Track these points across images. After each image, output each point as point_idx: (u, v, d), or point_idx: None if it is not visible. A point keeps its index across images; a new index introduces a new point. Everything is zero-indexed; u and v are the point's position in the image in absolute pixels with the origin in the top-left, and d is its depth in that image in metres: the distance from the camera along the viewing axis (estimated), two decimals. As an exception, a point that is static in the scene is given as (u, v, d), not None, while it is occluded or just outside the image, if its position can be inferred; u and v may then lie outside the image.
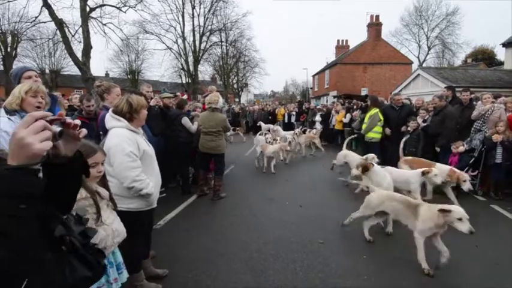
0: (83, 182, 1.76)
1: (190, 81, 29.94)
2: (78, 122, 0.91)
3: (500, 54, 24.68)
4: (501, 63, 22.33)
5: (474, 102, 6.06)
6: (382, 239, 3.65)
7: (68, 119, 0.89)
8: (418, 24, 33.57)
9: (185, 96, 7.53)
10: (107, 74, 35.21)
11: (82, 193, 1.75)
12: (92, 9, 20.19)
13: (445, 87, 7.17)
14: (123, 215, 2.37)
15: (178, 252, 3.34)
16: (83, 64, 18.43)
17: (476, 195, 5.32)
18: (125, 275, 2.03)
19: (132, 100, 2.34)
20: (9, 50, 26.16)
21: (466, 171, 5.22)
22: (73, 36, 19.63)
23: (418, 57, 33.53)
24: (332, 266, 3.04)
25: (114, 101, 3.24)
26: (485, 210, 4.71)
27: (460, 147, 5.31)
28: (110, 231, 1.87)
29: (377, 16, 26.89)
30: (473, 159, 5.25)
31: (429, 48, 33.55)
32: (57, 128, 0.83)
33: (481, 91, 8.02)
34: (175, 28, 28.64)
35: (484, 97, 5.67)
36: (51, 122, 0.81)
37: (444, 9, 32.07)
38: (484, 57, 29.73)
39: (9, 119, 2.05)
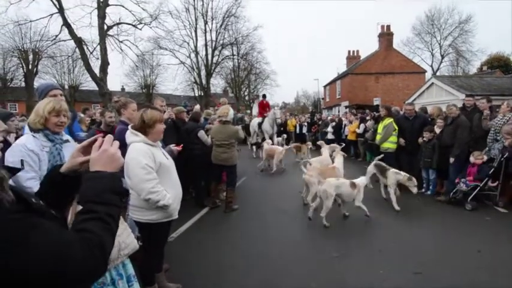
0: None
1: (202, 94, 30.50)
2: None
3: (517, 61, 24.06)
4: (518, 70, 21.74)
5: (497, 110, 5.89)
6: (399, 251, 3.54)
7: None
8: (430, 33, 33.21)
9: (197, 106, 7.67)
10: (122, 89, 36.27)
11: None
12: (110, 27, 21.05)
13: (466, 96, 6.97)
14: (143, 227, 2.42)
15: (191, 265, 3.34)
16: (100, 80, 19.10)
17: (497, 207, 5.11)
18: (136, 287, 2.01)
19: (146, 115, 2.41)
20: (30, 67, 27.45)
21: (486, 182, 5.06)
22: (91, 53, 20.42)
23: (431, 66, 33.04)
24: (349, 283, 2.96)
25: (131, 116, 3.38)
26: (505, 220, 4.53)
27: (481, 157, 5.17)
28: (117, 243, 1.84)
29: (388, 26, 26.87)
30: (492, 169, 5.07)
31: (442, 57, 33.03)
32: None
33: (498, 99, 7.80)
34: (188, 43, 29.48)
35: (503, 106, 5.50)
36: None
37: (457, 18, 31.64)
38: (500, 64, 29.00)
39: (33, 136, 2.11)
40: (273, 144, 10.31)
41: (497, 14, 52.34)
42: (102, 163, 0.98)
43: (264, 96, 14.06)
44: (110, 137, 1.04)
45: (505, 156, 4.99)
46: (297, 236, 4.08)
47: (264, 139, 11.16)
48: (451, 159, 5.58)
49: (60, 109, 2.20)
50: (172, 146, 3.74)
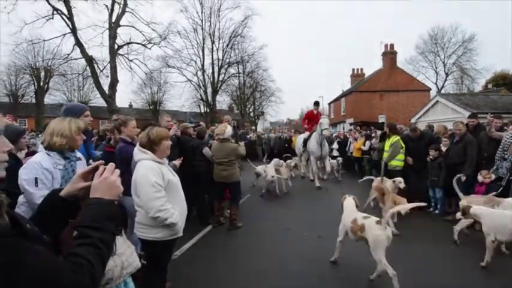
0: None
1: (208, 110, 30.92)
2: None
3: (523, 79, 24.04)
4: (524, 88, 21.67)
5: (505, 128, 5.83)
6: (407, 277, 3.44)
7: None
8: (433, 52, 33.63)
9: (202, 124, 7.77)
10: (130, 105, 36.95)
11: None
12: (120, 47, 21.76)
13: (468, 117, 6.89)
14: (148, 244, 2.41)
15: (195, 283, 3.29)
16: (109, 97, 19.56)
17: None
18: (138, 306, 1.98)
19: (152, 133, 2.46)
20: (42, 84, 28.27)
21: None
22: (101, 71, 21.05)
23: (436, 84, 33.24)
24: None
25: (131, 133, 3.45)
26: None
27: (489, 175, 5.09)
28: (119, 262, 1.83)
29: (391, 45, 27.26)
30: (501, 188, 4.98)
31: (447, 75, 33.30)
32: None
33: (505, 117, 7.74)
34: (195, 62, 30.24)
35: None
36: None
37: (460, 36, 32.12)
38: (505, 82, 28.98)
39: (48, 154, 2.13)
40: (324, 168, 9.05)
41: (501, 33, 52.82)
42: (102, 190, 1.02)
43: (317, 104, 10.02)
44: (111, 165, 1.09)
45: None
46: (302, 254, 4.00)
47: (284, 158, 9.18)
48: (463, 178, 5.45)
49: (82, 128, 2.27)
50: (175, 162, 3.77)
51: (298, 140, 10.19)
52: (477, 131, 5.95)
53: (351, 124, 23.83)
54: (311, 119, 9.73)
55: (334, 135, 15.13)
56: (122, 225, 1.76)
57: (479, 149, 5.62)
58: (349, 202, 3.77)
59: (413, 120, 16.67)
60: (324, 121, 8.50)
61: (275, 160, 8.17)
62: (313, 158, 8.79)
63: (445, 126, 7.14)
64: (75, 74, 26.31)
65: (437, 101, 15.76)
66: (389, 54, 27.06)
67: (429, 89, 27.77)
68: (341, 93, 33.49)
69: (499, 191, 4.94)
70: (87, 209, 0.98)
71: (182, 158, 4.08)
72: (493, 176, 5.15)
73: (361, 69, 32.70)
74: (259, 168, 7.92)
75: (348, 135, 13.11)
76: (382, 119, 22.79)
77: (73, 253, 0.85)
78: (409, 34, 72.94)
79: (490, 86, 28.66)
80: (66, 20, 19.48)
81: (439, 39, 33.09)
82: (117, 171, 1.08)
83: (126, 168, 2.58)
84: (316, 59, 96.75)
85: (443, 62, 33.24)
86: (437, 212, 5.98)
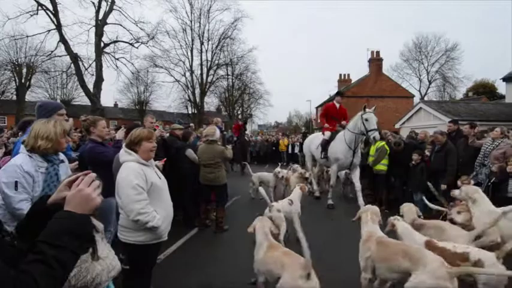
0: None
1: (196, 111, 30.68)
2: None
3: (501, 88, 25.10)
4: (502, 97, 22.60)
5: (485, 135, 6.04)
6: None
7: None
8: (417, 60, 34.60)
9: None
10: (115, 105, 36.23)
11: None
12: (106, 45, 21.33)
13: (449, 122, 7.13)
14: (130, 248, 2.36)
15: (179, 288, 3.23)
16: (94, 95, 19.12)
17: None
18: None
19: (133, 133, 2.42)
20: (23, 81, 27.33)
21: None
22: (86, 69, 20.55)
23: (419, 91, 34.20)
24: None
25: (101, 134, 3.38)
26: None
27: (467, 181, 5.25)
28: (105, 265, 1.83)
29: (377, 52, 27.89)
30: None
31: (430, 82, 34.30)
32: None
33: (484, 124, 8.05)
34: (184, 62, 29.98)
35: (495, 131, 5.55)
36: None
37: (443, 45, 33.18)
38: (485, 90, 30.17)
39: (29, 156, 2.06)
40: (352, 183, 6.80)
41: (482, 43, 55.06)
42: (74, 204, 0.94)
43: (340, 94, 7.79)
44: (90, 176, 1.01)
45: (491, 181, 5.09)
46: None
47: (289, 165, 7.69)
48: (443, 186, 5.61)
49: (67, 130, 2.21)
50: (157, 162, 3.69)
51: (311, 141, 7.61)
52: (457, 138, 6.16)
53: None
54: (332, 114, 7.28)
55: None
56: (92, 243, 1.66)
57: (458, 156, 5.81)
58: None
59: (397, 126, 17.10)
60: (371, 118, 6.06)
61: (295, 167, 7.01)
62: (336, 168, 6.64)
63: (425, 134, 7.40)
64: (58, 71, 25.53)
65: (420, 108, 16.22)
66: (376, 61, 27.68)
67: (413, 96, 28.56)
68: (328, 97, 33.97)
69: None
70: (52, 223, 0.89)
71: (165, 159, 4.00)
72: (472, 182, 5.32)
73: (348, 75, 33.29)
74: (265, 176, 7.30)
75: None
76: (367, 124, 23.19)
77: (22, 269, 0.79)
78: (395, 42, 75.00)
79: (470, 94, 29.79)
80: (51, 16, 18.98)
81: (423, 47, 34.12)
82: (96, 183, 1.00)
83: (96, 169, 2.54)
84: (304, 63, 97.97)
85: (426, 70, 34.26)
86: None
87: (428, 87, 34.43)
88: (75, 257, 0.89)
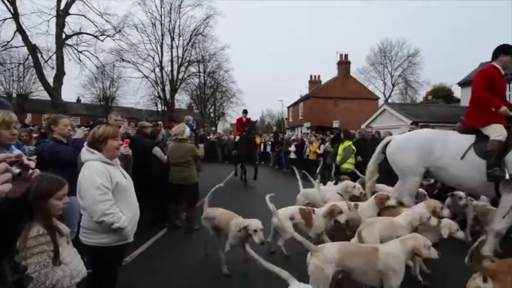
0: (42, 218, 1.68)
1: (166, 109, 29.86)
2: (32, 164, 0.93)
3: (457, 92, 27.11)
4: (458, 101, 24.45)
5: None
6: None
7: (25, 161, 0.91)
8: (382, 64, 36.41)
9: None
10: (78, 100, 34.28)
11: (40, 229, 1.65)
12: (68, 37, 20.08)
13: (410, 124, 7.64)
14: (92, 250, 2.25)
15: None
16: (54, 90, 17.93)
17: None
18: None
19: (97, 131, 2.33)
20: (-27, 72, 24.97)
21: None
22: (46, 62, 19.20)
23: (384, 93, 36.01)
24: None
25: (63, 132, 3.25)
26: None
27: (427, 179, 5.63)
28: (68, 271, 1.75)
29: (346, 55, 29.01)
30: (436, 190, 5.56)
31: (393, 86, 36.27)
32: (16, 170, 0.84)
33: (441, 126, 8.68)
34: (153, 58, 29.06)
35: None
36: (11, 163, 0.82)
37: (406, 51, 35.22)
38: (443, 94, 32.45)
39: None
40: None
41: (442, 49, 59.13)
42: None
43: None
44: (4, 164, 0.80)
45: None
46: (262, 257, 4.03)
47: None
48: None
49: (11, 121, 2.06)
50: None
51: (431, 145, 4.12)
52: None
53: (307, 128, 24.80)
54: None
55: (292, 138, 15.62)
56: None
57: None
58: None
59: (363, 126, 17.86)
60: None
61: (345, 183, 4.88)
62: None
63: (390, 133, 7.83)
64: (15, 63, 23.55)
65: (384, 109, 17.12)
66: (344, 64, 28.78)
67: (378, 98, 30.07)
68: (299, 98, 34.68)
69: (434, 193, 5.51)
70: None
71: (128, 140, 3.69)
72: (432, 180, 5.68)
73: (319, 76, 34.21)
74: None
75: (304, 139, 13.61)
76: (336, 124, 24.04)
77: None
78: (363, 46, 78.25)
79: (429, 97, 31.86)
80: (7, 3, 17.48)
81: (388, 52, 35.98)
82: (6, 175, 0.79)
83: (57, 169, 2.46)
84: (277, 63, 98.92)
85: (390, 74, 36.18)
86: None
87: (392, 90, 36.43)
88: None
